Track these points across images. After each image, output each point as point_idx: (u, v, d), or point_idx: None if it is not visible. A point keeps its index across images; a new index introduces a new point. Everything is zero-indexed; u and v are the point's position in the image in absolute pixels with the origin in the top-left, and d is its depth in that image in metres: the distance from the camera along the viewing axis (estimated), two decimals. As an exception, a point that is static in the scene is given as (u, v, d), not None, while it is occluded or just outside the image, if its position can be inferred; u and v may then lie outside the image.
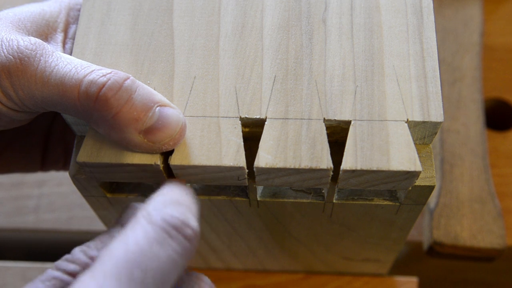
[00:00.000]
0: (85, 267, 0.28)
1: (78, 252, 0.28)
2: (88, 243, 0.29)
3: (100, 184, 0.34)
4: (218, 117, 0.32)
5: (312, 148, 0.30)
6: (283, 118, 0.31)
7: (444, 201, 0.49)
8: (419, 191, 0.33)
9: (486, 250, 0.48)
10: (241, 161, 0.30)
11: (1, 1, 0.58)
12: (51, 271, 0.28)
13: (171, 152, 0.31)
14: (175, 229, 0.27)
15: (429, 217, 0.49)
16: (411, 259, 0.54)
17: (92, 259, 0.28)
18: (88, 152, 0.31)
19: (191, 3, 0.35)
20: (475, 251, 0.48)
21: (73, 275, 0.28)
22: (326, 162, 0.30)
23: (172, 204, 0.28)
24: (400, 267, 0.53)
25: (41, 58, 0.30)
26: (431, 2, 0.34)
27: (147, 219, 0.27)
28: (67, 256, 0.28)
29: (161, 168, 0.31)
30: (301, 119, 0.31)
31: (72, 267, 0.28)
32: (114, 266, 0.25)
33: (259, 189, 0.35)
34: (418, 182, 0.32)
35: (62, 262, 0.28)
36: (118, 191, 0.36)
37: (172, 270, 0.26)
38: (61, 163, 0.41)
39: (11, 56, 0.30)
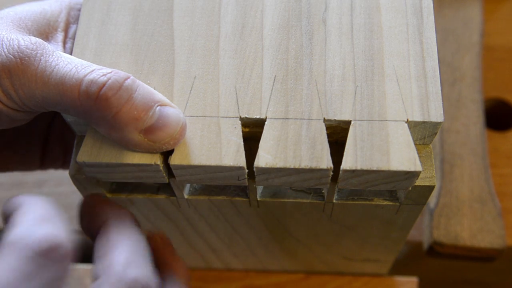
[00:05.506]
0: None
1: None
2: None
3: (100, 184, 0.34)
4: (218, 117, 0.32)
5: (312, 148, 0.30)
6: (283, 118, 0.31)
7: (444, 201, 0.49)
8: (419, 191, 0.33)
9: (486, 250, 0.48)
10: (241, 161, 0.30)
11: (1, 0, 0.58)
12: None
13: (171, 152, 0.31)
14: (45, 256, 0.25)
15: (429, 217, 0.49)
16: (411, 259, 0.54)
17: None
18: (88, 152, 0.31)
19: (191, 3, 0.35)
20: (475, 251, 0.48)
21: None
22: (326, 162, 0.30)
23: (37, 225, 0.26)
24: (400, 267, 0.53)
25: (42, 57, 0.30)
26: (431, 2, 0.34)
27: (14, 249, 0.25)
28: None
29: (161, 168, 0.31)
30: (301, 119, 0.31)
31: None
32: None
33: (259, 189, 0.35)
34: (418, 182, 0.32)
35: None
36: (118, 191, 0.35)
37: None
38: (60, 162, 0.41)
39: (11, 56, 0.30)
